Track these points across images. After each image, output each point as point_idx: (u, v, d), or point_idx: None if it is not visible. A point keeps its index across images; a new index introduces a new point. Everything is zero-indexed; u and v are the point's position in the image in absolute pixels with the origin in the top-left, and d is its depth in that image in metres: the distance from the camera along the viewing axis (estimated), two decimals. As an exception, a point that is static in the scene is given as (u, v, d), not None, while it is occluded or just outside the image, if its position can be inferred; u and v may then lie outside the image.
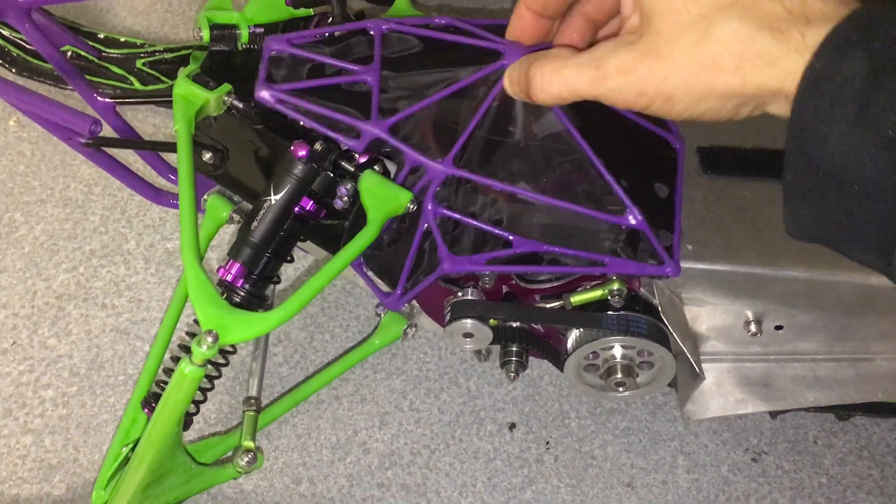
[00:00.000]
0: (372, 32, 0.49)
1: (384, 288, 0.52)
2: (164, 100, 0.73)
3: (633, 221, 0.45)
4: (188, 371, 0.39)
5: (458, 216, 0.46)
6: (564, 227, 0.47)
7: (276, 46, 0.48)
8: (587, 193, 0.46)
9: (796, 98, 0.32)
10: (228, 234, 0.69)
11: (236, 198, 0.57)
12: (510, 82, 0.42)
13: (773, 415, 0.66)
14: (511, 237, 0.46)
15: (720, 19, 0.33)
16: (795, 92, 0.31)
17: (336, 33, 0.49)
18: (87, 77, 0.75)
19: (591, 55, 0.37)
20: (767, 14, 0.33)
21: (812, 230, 0.34)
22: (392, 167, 0.48)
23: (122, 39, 0.79)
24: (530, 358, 0.56)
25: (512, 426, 0.63)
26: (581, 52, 0.39)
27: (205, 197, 0.57)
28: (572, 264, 0.46)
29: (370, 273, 0.52)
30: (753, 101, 0.34)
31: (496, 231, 0.46)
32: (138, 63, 0.78)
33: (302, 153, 0.45)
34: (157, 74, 0.77)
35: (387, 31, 0.49)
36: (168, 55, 0.78)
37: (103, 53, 0.78)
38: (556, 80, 0.38)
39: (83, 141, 0.52)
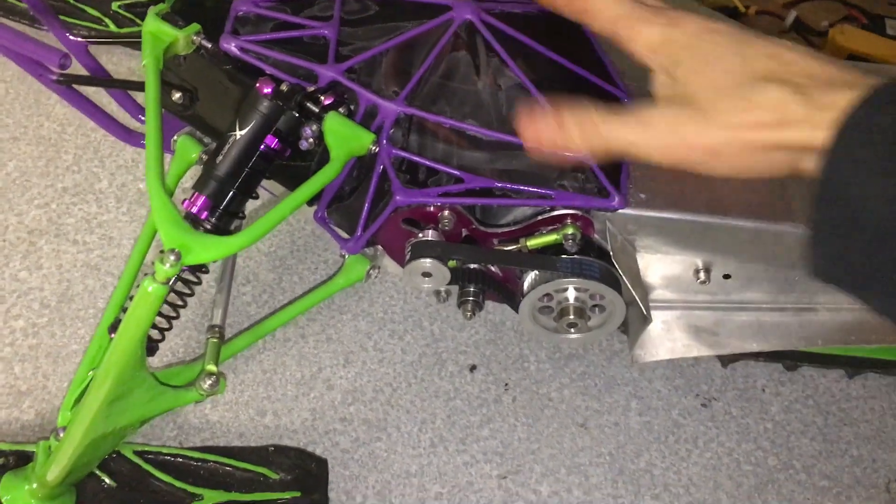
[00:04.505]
0: None
1: (346, 236, 0.54)
2: (137, 41, 0.73)
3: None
4: (151, 289, 0.40)
5: (410, 156, 0.49)
6: (514, 166, 0.49)
7: (242, 8, 0.52)
8: None
9: (829, 143, 0.35)
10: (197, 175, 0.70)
11: (206, 139, 0.58)
12: (536, 130, 0.41)
13: (724, 363, 0.69)
14: (462, 174, 0.48)
15: (757, 87, 0.37)
16: (829, 139, 0.35)
17: None
18: (62, 18, 0.76)
19: (631, 113, 0.40)
20: (796, 81, 0.37)
21: (834, 272, 0.37)
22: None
23: (98, -20, 0.79)
24: (493, 304, 0.58)
25: (473, 368, 0.66)
26: (618, 107, 0.40)
27: (174, 138, 0.58)
28: (522, 198, 0.48)
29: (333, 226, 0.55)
30: (791, 156, 0.37)
31: (447, 169, 0.48)
32: (114, 5, 0.78)
33: (267, 90, 0.46)
34: (132, 17, 0.78)
35: None
36: (143, -2, 0.79)
37: (79, -6, 0.78)
38: (606, 132, 0.40)
39: (54, 77, 0.53)
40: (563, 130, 0.41)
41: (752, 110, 0.37)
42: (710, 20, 0.41)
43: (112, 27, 0.77)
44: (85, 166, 0.72)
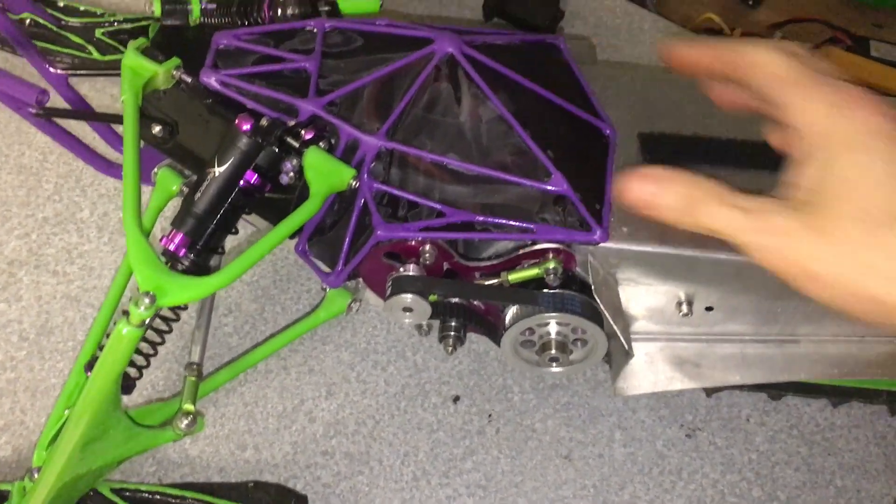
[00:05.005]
0: (315, 30, 0.53)
1: (327, 269, 0.54)
2: (118, 72, 0.73)
3: (557, 187, 0.47)
4: (125, 332, 0.40)
5: (391, 189, 0.49)
6: (495, 199, 0.49)
7: (223, 41, 0.52)
8: (517, 166, 0.49)
9: None
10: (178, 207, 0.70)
11: (187, 171, 0.58)
12: (627, 189, 0.38)
13: (709, 393, 0.68)
14: (443, 208, 0.48)
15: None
16: None
17: (281, 31, 0.54)
18: (47, 45, 0.75)
19: (749, 203, 0.35)
20: None
21: None
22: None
23: (82, 8, 0.79)
24: (476, 335, 0.58)
25: (456, 399, 0.65)
26: (734, 191, 0.36)
27: (155, 170, 0.58)
28: (503, 232, 0.49)
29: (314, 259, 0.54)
30: None
31: (429, 203, 0.48)
32: (98, 32, 0.78)
33: (246, 127, 0.46)
34: (116, 45, 0.78)
35: (329, 28, 0.53)
36: (128, 25, 0.78)
37: (63, 22, 0.78)
38: (717, 214, 0.36)
39: (33, 111, 0.53)
40: (659, 194, 0.37)
41: (878, 256, 0.32)
42: (883, 110, 0.34)
43: (96, 54, 0.77)
44: (66, 195, 0.71)
